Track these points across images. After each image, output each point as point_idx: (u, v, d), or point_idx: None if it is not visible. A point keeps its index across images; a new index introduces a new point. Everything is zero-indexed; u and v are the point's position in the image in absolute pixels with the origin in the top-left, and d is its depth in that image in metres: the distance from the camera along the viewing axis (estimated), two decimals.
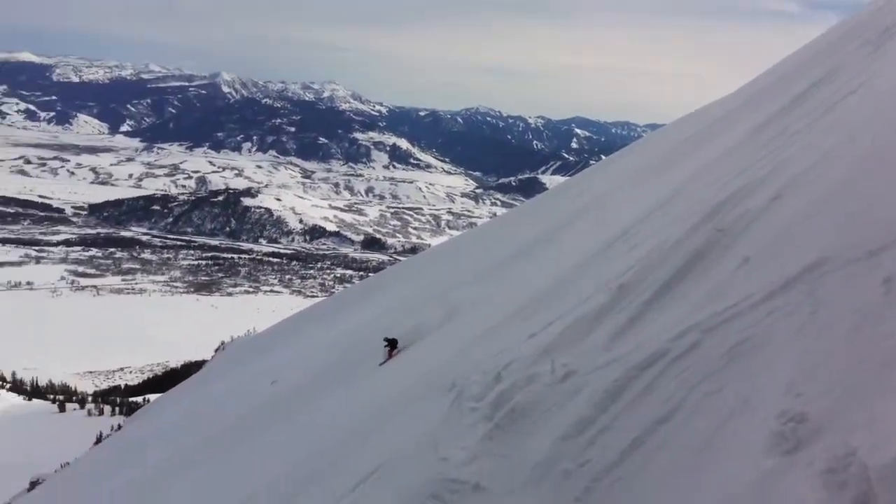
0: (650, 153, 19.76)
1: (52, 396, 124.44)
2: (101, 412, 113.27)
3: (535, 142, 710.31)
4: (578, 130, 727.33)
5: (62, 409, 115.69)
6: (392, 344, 15.43)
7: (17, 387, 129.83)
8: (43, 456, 63.83)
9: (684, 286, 6.78)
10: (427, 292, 20.30)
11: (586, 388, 5.76)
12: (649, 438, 4.76)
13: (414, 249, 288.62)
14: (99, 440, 51.15)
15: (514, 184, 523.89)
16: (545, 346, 7.09)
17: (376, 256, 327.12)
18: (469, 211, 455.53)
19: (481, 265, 18.99)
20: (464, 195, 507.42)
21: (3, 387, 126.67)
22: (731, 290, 5.87)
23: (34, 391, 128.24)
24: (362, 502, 6.38)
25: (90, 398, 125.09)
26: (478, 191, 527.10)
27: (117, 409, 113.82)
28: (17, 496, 35.96)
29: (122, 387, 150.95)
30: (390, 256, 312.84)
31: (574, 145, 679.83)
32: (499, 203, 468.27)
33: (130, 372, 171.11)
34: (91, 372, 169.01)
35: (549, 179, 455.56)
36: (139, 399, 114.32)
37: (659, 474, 4.42)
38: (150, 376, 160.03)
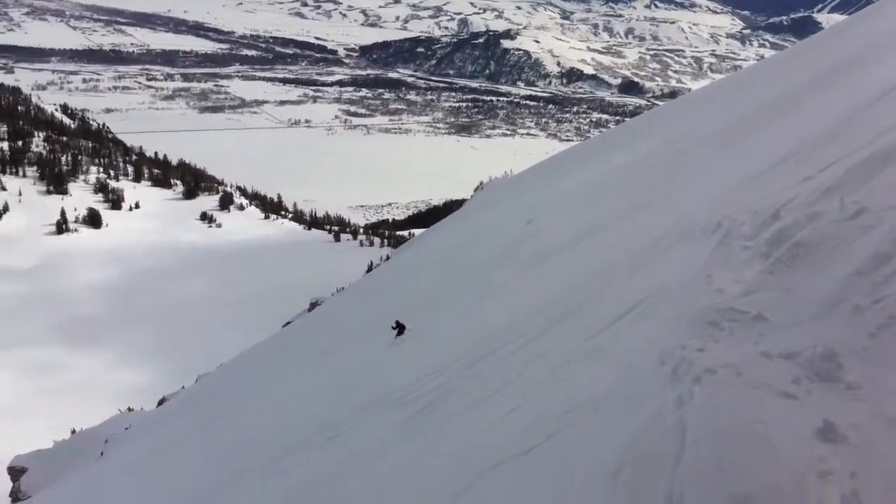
0: None
1: (328, 227, 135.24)
2: (371, 243, 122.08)
3: None
4: None
5: (337, 238, 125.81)
6: (400, 328, 14.77)
7: (298, 217, 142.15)
8: (320, 281, 70.30)
9: None
10: (672, 146, 19.62)
11: (882, 225, 5.41)
12: None
13: (673, 94, 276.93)
14: (370, 269, 55.26)
15: (785, 23, 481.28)
16: (827, 185, 6.78)
17: (633, 100, 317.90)
18: (734, 53, 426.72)
19: (739, 111, 18.01)
20: (729, 36, 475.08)
21: (285, 217, 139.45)
22: None
23: (313, 222, 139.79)
24: (629, 331, 6.60)
25: (361, 230, 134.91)
26: (745, 31, 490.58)
27: (385, 240, 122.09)
28: (298, 315, 39.18)
29: (390, 220, 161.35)
30: (647, 101, 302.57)
31: None
32: (767, 44, 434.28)
33: (397, 207, 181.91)
34: (362, 206, 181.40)
35: (826, 18, 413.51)
36: (405, 233, 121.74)
37: None
38: (415, 212, 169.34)
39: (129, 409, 41.01)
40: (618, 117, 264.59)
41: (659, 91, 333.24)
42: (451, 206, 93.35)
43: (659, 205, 12.92)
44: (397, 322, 15.15)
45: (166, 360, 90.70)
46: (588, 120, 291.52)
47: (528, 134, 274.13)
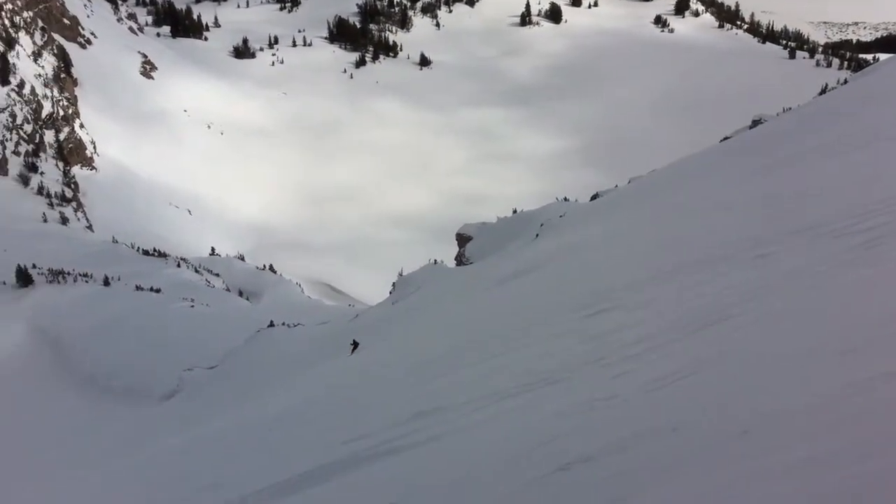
0: None
1: (783, 42, 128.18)
2: (829, 64, 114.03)
3: None
4: None
5: (792, 56, 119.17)
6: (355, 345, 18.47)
7: (754, 29, 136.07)
8: (766, 97, 68.39)
9: None
10: None
11: None
12: None
13: None
14: (823, 91, 53.33)
15: None
16: None
17: None
18: None
19: None
20: None
21: (740, 27, 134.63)
22: None
23: (768, 34, 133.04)
24: None
25: (820, 48, 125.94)
26: None
27: (845, 63, 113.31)
28: (738, 131, 38.89)
29: (854, 41, 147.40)
30: None
31: None
32: None
33: (864, 27, 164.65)
34: (825, 22, 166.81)
35: None
36: (868, 56, 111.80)
37: None
38: (884, 34, 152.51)
39: (566, 199, 43.05)
40: None
41: None
42: None
43: None
44: (353, 341, 18.89)
45: (601, 142, 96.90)
46: None
47: None
